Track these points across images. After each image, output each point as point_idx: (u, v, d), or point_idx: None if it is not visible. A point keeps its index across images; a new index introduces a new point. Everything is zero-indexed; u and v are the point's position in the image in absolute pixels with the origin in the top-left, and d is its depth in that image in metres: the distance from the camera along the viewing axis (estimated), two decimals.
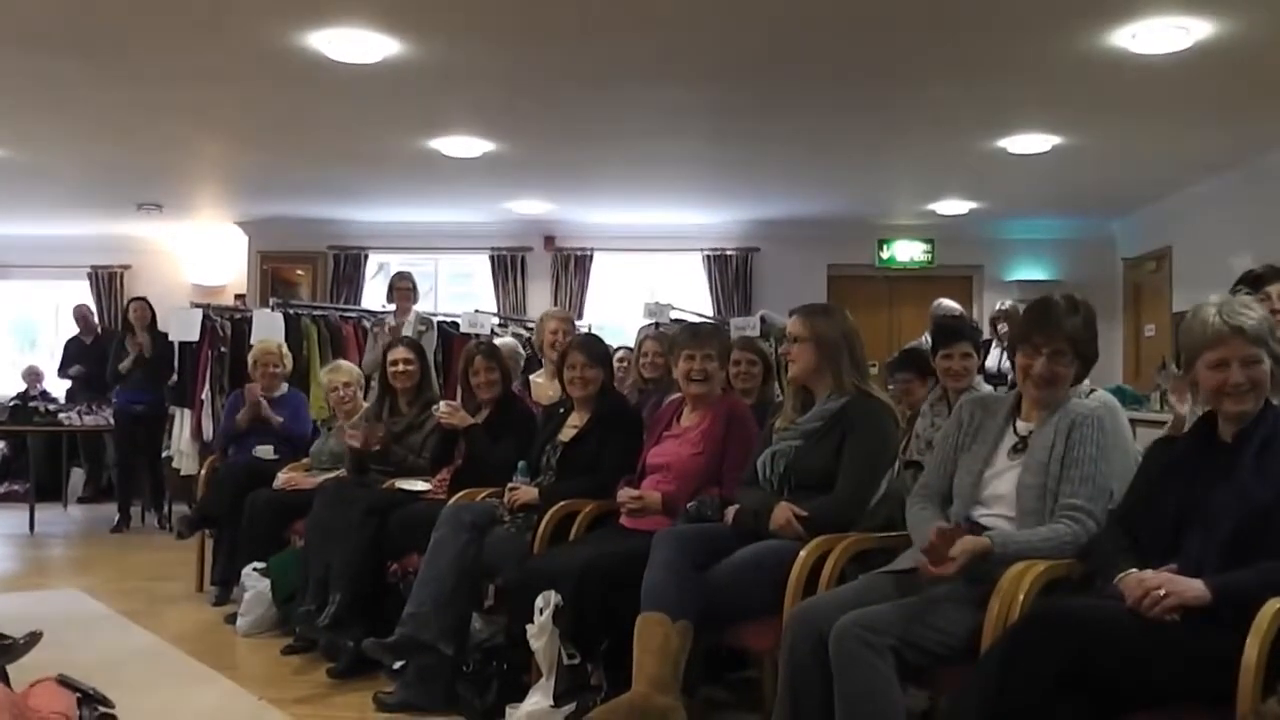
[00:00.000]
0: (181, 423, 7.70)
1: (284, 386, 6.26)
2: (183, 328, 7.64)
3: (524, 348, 7.03)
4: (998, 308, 8.05)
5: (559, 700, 3.34)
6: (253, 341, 6.87)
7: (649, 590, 3.16)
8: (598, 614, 3.33)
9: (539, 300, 10.87)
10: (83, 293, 11.46)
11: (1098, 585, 2.45)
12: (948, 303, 7.84)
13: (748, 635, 3.20)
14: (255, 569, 4.99)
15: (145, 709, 3.56)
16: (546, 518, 3.82)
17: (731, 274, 10.86)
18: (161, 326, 8.12)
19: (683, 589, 3.14)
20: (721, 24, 5.20)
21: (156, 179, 9.10)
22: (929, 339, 5.31)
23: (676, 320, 7.97)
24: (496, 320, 8.84)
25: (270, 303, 8.14)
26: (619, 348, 6.16)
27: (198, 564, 5.87)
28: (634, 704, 3.03)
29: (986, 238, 10.68)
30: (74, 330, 9.93)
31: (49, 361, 10.44)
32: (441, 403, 4.80)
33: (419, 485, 4.65)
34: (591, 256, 11.04)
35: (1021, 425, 2.88)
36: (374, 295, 10.69)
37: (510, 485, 4.10)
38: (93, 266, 11.75)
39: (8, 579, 6.49)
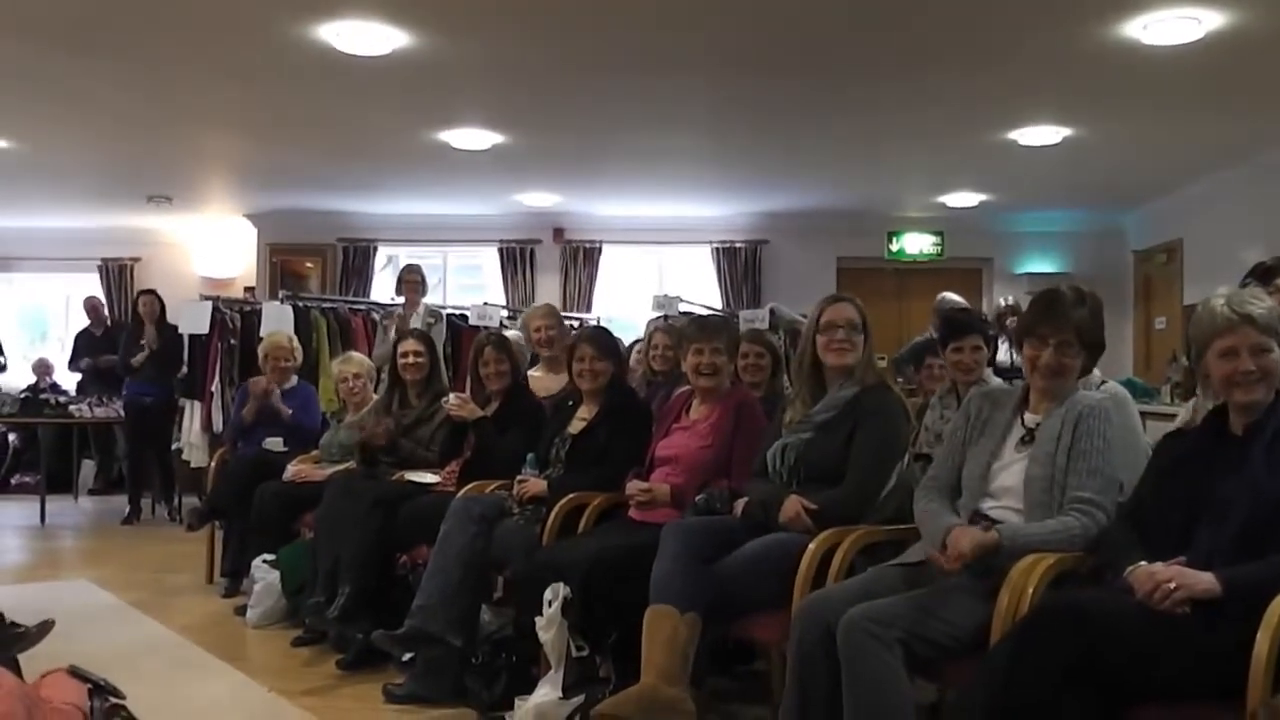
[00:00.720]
0: (191, 415, 7.71)
1: (294, 379, 6.26)
2: (192, 320, 7.65)
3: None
4: (1003, 304, 8.03)
5: (568, 692, 3.34)
6: (262, 334, 6.88)
7: (657, 582, 3.16)
8: (606, 606, 3.33)
9: (548, 293, 10.86)
10: (93, 285, 11.51)
11: (1107, 578, 2.45)
12: (952, 296, 7.82)
13: (756, 627, 3.20)
14: (265, 561, 5.00)
15: (155, 700, 3.57)
16: (555, 510, 3.82)
17: (740, 266, 10.84)
18: (171, 319, 8.14)
19: (691, 581, 3.14)
20: (731, 15, 5.20)
21: (166, 172, 9.12)
22: (934, 332, 5.31)
23: (685, 313, 7.96)
24: (505, 313, 8.84)
25: (280, 295, 8.14)
26: (635, 341, 6.15)
27: (207, 556, 5.90)
28: (642, 696, 3.04)
29: (996, 230, 10.65)
30: (84, 323, 9.96)
31: (60, 354, 10.48)
32: (451, 395, 4.81)
33: (428, 477, 4.66)
34: (600, 249, 11.03)
35: (1029, 417, 2.88)
36: (383, 288, 10.72)
37: (519, 477, 4.10)
38: (103, 259, 11.77)
39: (19, 570, 6.52)
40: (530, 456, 4.19)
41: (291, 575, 4.82)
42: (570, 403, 4.37)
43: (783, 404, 3.71)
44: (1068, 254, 10.70)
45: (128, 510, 8.12)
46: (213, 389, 7.48)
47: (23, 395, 8.70)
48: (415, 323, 7.18)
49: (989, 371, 4.31)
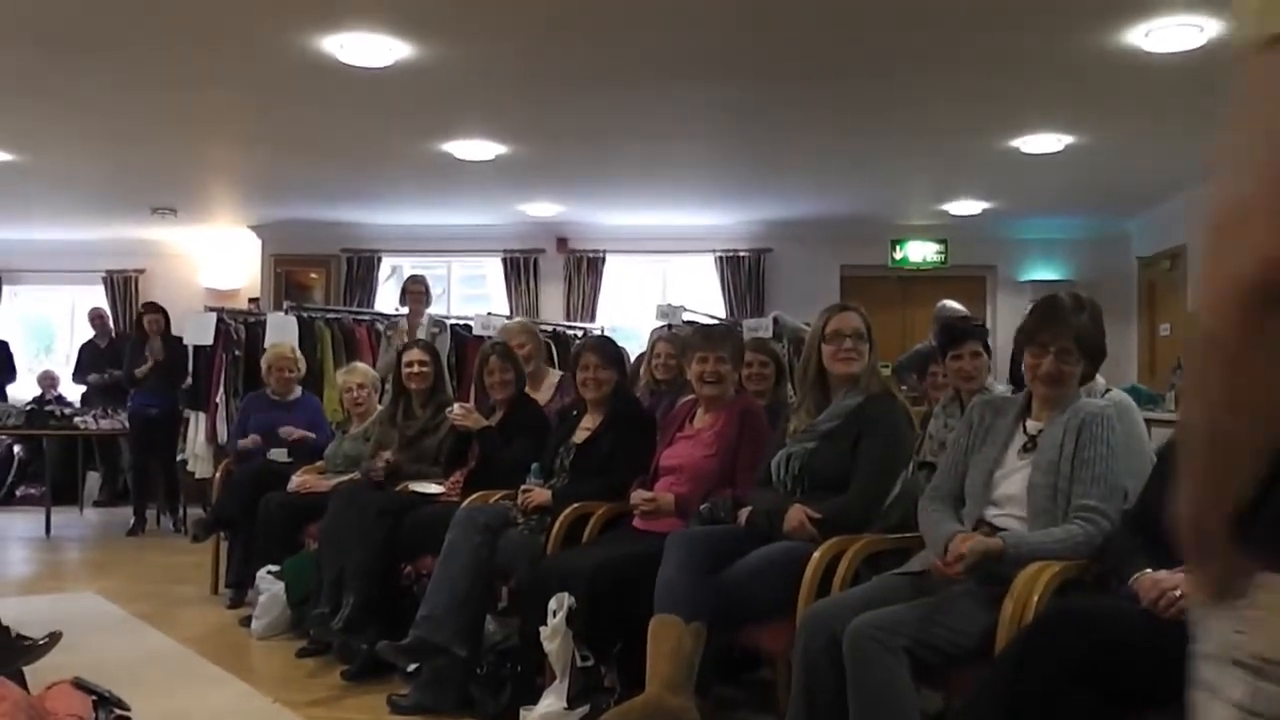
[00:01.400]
0: (196, 426, 7.73)
1: (298, 390, 6.27)
2: (197, 331, 7.67)
3: None
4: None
5: (573, 702, 3.34)
6: (266, 345, 6.89)
7: (662, 592, 3.16)
8: (611, 616, 3.33)
9: (552, 303, 10.89)
10: (98, 297, 11.52)
11: (1112, 586, 2.45)
12: (951, 304, 7.83)
13: (761, 636, 3.20)
14: (269, 572, 5.00)
15: (160, 711, 3.57)
16: (560, 520, 3.83)
17: (744, 275, 10.84)
18: (176, 330, 8.15)
19: (696, 590, 3.14)
20: (733, 25, 5.20)
21: (171, 183, 9.14)
22: (933, 340, 5.31)
23: (689, 322, 7.96)
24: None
25: (284, 306, 8.16)
26: (641, 354, 6.14)
27: (212, 567, 5.89)
28: (648, 706, 3.03)
29: (1000, 238, 10.65)
30: (89, 334, 9.98)
31: (65, 366, 10.50)
32: (455, 404, 4.81)
33: (432, 488, 4.66)
34: (604, 259, 11.04)
35: (1031, 424, 2.88)
36: (387, 298, 10.72)
37: (524, 487, 4.10)
38: (108, 271, 11.80)
39: (24, 582, 6.52)
40: (535, 466, 4.19)
41: (296, 586, 4.82)
42: (575, 412, 4.38)
43: (786, 413, 3.72)
44: (1071, 261, 10.69)
45: (132, 522, 8.12)
46: (217, 400, 7.50)
47: (28, 407, 8.70)
48: (419, 333, 7.19)
49: (991, 379, 4.30)
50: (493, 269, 11.32)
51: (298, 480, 5.39)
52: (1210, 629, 0.99)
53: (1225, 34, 5.11)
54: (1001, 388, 4.26)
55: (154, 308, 8.40)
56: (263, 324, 7.70)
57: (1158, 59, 5.45)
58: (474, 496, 4.26)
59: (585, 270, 11.02)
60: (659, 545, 3.30)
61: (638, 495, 3.78)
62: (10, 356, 9.98)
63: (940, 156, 7.98)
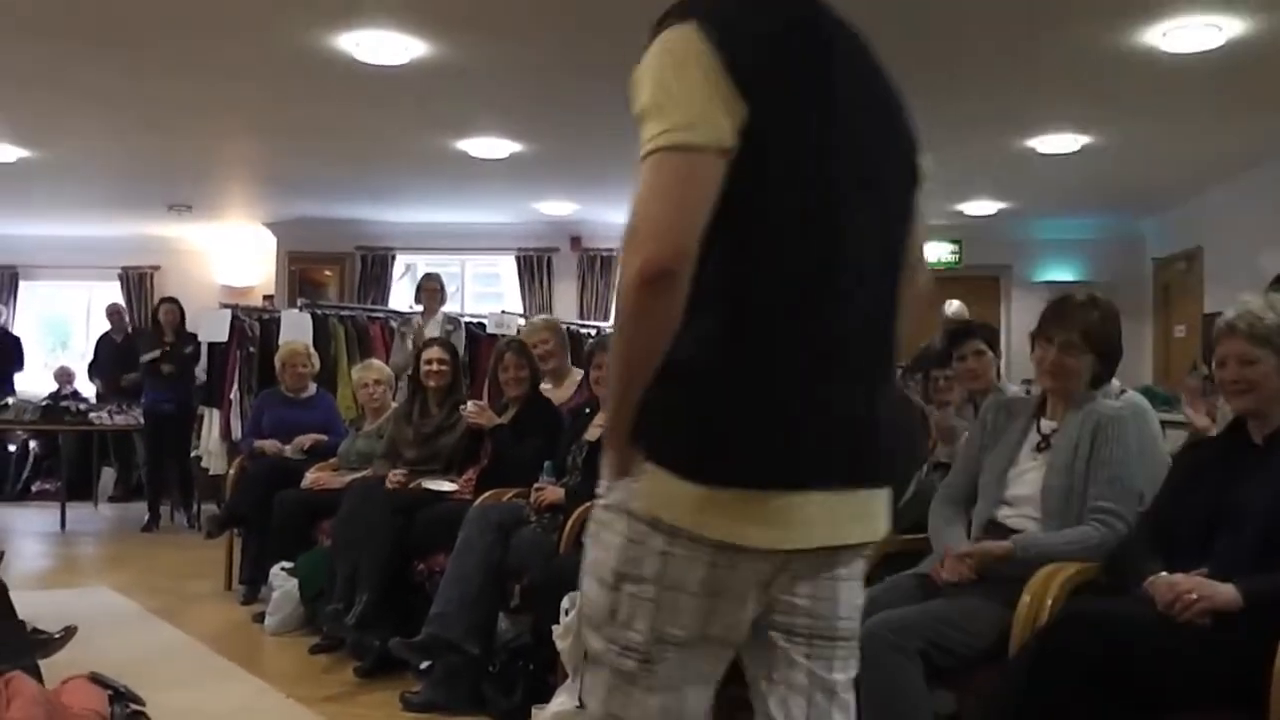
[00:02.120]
0: (210, 422, 7.76)
1: (312, 387, 6.29)
2: (212, 328, 7.69)
3: None
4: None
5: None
6: (280, 342, 6.91)
7: None
8: None
9: (565, 301, 10.88)
10: (113, 293, 11.56)
11: (1128, 588, 2.44)
12: (953, 308, 7.86)
13: None
14: (283, 568, 5.02)
15: (174, 706, 3.59)
16: (573, 518, 3.82)
17: None
18: (191, 327, 8.19)
19: None
20: None
21: (187, 180, 9.17)
22: (938, 340, 5.32)
23: None
24: (523, 321, 8.85)
25: (298, 303, 8.19)
26: None
27: (226, 563, 5.91)
28: None
29: (1015, 238, 10.61)
30: (105, 329, 10.02)
31: (80, 362, 10.54)
32: (469, 402, 4.82)
33: (445, 485, 4.67)
34: (617, 257, 10.99)
35: (1045, 424, 2.87)
36: (401, 296, 10.74)
37: (536, 485, 4.11)
38: (123, 267, 11.85)
39: (40, 576, 6.54)
40: (548, 464, 4.19)
41: (310, 582, 4.84)
42: (588, 410, 4.38)
43: None
44: (1086, 262, 10.64)
45: (147, 517, 8.15)
46: (231, 397, 7.52)
47: (44, 403, 8.74)
48: (434, 330, 7.20)
49: (1004, 379, 4.29)
50: (507, 267, 11.33)
51: (311, 477, 5.41)
52: (614, 491, 1.51)
53: (1239, 35, 5.09)
54: (1014, 388, 4.26)
55: (171, 301, 8.48)
56: (277, 321, 7.72)
57: (1175, 59, 5.41)
58: (487, 494, 4.27)
59: (599, 269, 11.01)
60: None
61: None
62: (20, 349, 10.04)
63: (955, 156, 7.93)
